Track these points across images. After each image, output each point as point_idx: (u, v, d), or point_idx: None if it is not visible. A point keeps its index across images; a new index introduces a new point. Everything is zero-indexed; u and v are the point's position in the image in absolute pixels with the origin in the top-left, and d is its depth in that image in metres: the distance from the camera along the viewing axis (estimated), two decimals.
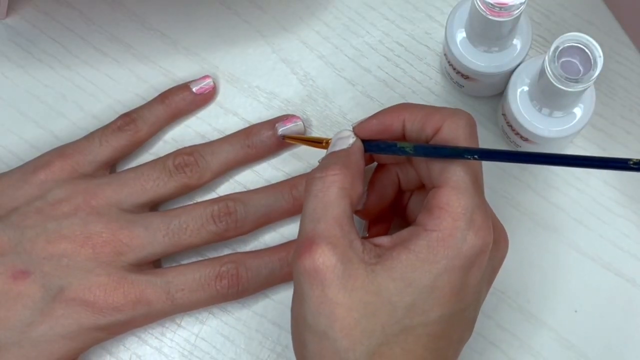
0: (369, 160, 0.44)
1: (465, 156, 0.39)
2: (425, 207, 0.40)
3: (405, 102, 0.44)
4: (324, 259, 0.37)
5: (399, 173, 0.45)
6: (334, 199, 0.39)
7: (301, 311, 0.38)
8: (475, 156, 0.39)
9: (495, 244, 0.40)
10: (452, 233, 0.38)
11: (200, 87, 0.51)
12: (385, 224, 0.47)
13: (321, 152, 0.47)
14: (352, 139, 0.42)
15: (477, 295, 0.40)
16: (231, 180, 0.51)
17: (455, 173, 0.39)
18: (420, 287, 0.38)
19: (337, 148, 0.42)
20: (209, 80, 0.51)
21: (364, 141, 0.43)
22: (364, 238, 0.39)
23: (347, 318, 0.37)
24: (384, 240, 0.39)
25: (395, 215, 0.47)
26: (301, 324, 0.39)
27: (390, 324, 0.37)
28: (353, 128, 0.43)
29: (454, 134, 0.40)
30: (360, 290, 0.37)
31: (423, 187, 0.45)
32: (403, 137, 0.42)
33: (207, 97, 0.51)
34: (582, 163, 0.37)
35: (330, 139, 0.44)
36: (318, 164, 0.42)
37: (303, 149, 0.51)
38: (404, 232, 0.39)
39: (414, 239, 0.38)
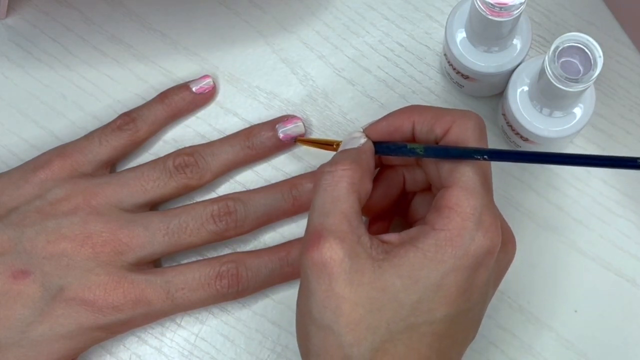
0: (377, 164, 0.45)
1: (475, 156, 0.39)
2: (434, 207, 0.40)
3: (415, 104, 0.45)
4: (331, 253, 0.38)
5: (406, 174, 0.46)
6: (343, 194, 0.39)
7: (307, 304, 0.39)
8: (485, 156, 0.39)
9: (503, 246, 0.40)
10: (461, 233, 0.38)
11: (200, 87, 0.51)
12: (386, 222, 0.47)
13: (322, 153, 0.47)
14: (363, 140, 0.43)
15: (483, 296, 0.40)
16: (231, 180, 0.51)
17: (465, 173, 0.39)
18: (427, 285, 0.38)
19: (348, 147, 0.43)
20: (208, 80, 0.51)
21: (374, 143, 0.43)
22: (370, 235, 0.39)
23: (353, 313, 0.37)
24: (391, 237, 0.40)
25: (397, 215, 0.47)
26: (306, 317, 0.39)
27: (395, 320, 0.38)
28: (363, 130, 0.44)
29: (463, 135, 0.40)
30: (367, 285, 0.38)
31: (427, 189, 0.45)
32: (412, 139, 0.43)
33: (206, 96, 0.51)
34: (591, 162, 0.38)
35: (341, 142, 0.44)
36: (319, 165, 0.42)
37: (303, 149, 0.51)
38: (412, 231, 0.39)
39: (422, 237, 0.38)
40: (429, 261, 0.38)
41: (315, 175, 0.41)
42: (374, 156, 0.43)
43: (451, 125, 0.41)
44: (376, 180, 0.45)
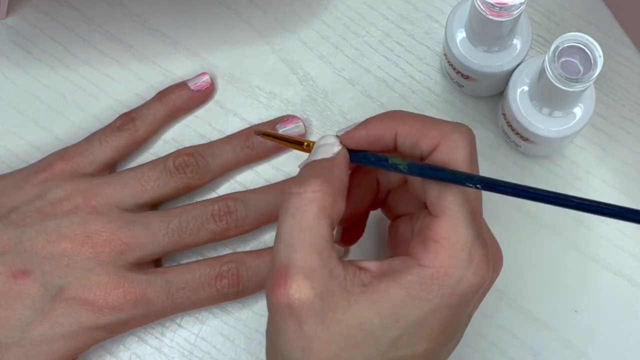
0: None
1: (467, 184, 0.35)
2: (419, 237, 0.37)
3: (398, 110, 0.39)
4: (299, 294, 0.34)
5: (379, 176, 0.42)
6: (312, 222, 0.35)
7: (275, 341, 0.36)
8: (478, 185, 0.35)
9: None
10: (448, 272, 0.35)
11: (198, 84, 0.51)
12: (360, 227, 0.45)
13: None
14: (337, 148, 0.38)
15: (466, 324, 0.38)
16: (231, 180, 0.51)
17: (454, 202, 0.36)
18: (409, 323, 0.35)
19: (320, 157, 0.38)
20: (206, 77, 0.51)
21: (350, 151, 0.39)
22: (347, 262, 0.36)
23: (325, 351, 0.35)
24: (370, 264, 0.36)
25: (372, 209, 0.44)
26: (276, 352, 0.36)
27: (372, 356, 0.35)
28: (339, 136, 0.39)
29: (452, 155, 0.36)
30: (341, 323, 0.35)
31: (403, 185, 0.42)
32: (395, 149, 0.38)
33: (204, 93, 0.51)
34: (596, 210, 0.33)
35: (312, 142, 0.40)
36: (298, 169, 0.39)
37: None
38: (395, 262, 0.36)
39: (405, 274, 0.35)
40: (412, 299, 0.35)
41: (281, 197, 0.37)
42: (348, 168, 0.38)
43: (439, 142, 0.36)
44: (348, 188, 0.40)
